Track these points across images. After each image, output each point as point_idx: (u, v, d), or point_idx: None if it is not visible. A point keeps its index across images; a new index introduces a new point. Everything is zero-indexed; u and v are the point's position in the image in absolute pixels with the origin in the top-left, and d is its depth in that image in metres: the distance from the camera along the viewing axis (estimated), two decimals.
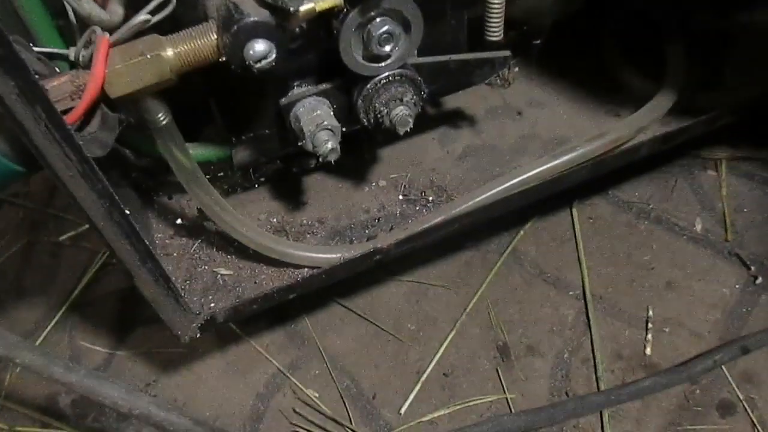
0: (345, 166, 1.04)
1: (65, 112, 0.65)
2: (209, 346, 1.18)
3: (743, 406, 0.99)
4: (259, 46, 0.65)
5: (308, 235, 0.96)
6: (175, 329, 0.84)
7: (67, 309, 1.27)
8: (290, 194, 1.01)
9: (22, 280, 1.35)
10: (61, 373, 0.65)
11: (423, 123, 1.09)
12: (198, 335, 0.86)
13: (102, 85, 0.64)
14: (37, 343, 1.23)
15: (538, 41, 1.01)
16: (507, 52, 0.89)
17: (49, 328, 1.25)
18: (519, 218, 1.25)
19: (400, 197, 0.99)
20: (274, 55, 0.66)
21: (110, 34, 0.67)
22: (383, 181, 1.02)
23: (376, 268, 0.95)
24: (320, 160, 0.78)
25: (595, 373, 1.05)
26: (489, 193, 0.95)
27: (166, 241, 0.97)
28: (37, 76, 0.55)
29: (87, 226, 1.36)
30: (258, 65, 0.66)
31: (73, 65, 0.72)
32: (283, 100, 0.80)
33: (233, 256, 0.95)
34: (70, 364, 0.66)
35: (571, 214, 1.24)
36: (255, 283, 0.92)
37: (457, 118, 1.09)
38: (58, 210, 1.44)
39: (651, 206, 1.23)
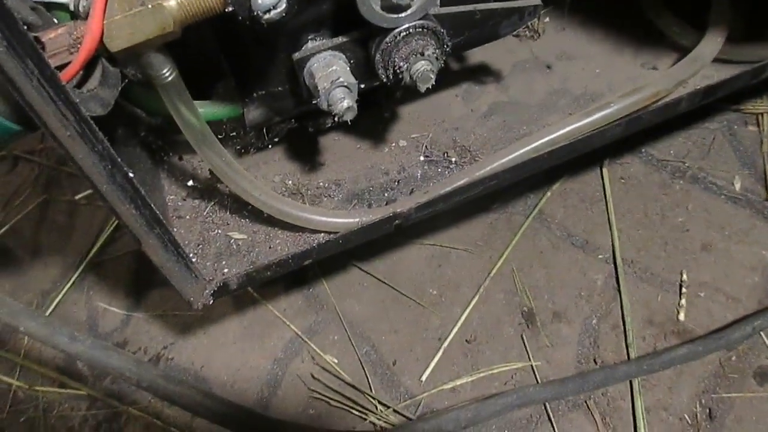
0: (363, 126, 0.99)
1: (63, 66, 0.61)
2: (226, 309, 1.16)
3: None
4: None
5: (325, 198, 0.92)
6: (187, 296, 0.81)
7: (84, 269, 1.26)
8: (306, 155, 0.97)
9: (39, 238, 1.33)
10: (66, 343, 0.63)
11: (445, 79, 1.03)
12: (211, 302, 0.83)
13: (100, 38, 0.60)
14: (55, 303, 1.22)
15: None
16: (537, 1, 0.82)
17: (66, 288, 1.24)
18: (546, 178, 1.19)
19: (422, 158, 0.95)
20: (284, 5, 0.61)
21: None
22: (404, 142, 0.97)
23: (396, 233, 0.91)
24: (336, 119, 0.73)
25: (625, 340, 1.01)
26: (515, 154, 0.90)
27: (178, 203, 0.94)
28: (27, 27, 0.51)
29: None
30: (266, 16, 0.61)
31: (74, 15, 0.68)
32: (296, 55, 0.75)
33: (247, 220, 0.91)
34: (75, 334, 0.64)
35: (601, 174, 1.18)
36: (270, 248, 0.88)
37: (482, 74, 1.03)
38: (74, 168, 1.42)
39: (687, 164, 1.17)
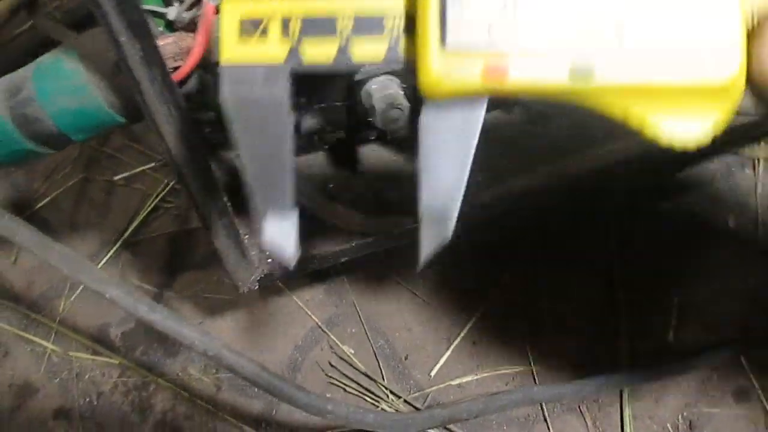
0: (399, 141, 1.08)
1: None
2: (253, 297, 1.25)
3: (758, 394, 1.05)
4: None
5: (363, 204, 1.01)
6: (236, 280, 0.90)
7: (120, 247, 1.34)
8: (346, 163, 1.06)
9: (77, 214, 1.42)
10: (146, 311, 0.72)
11: None
12: (256, 287, 0.92)
13: (204, 51, 0.69)
14: None
15: None
16: None
17: (102, 263, 1.32)
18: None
19: None
20: None
21: None
22: None
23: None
24: (389, 137, 0.83)
25: (618, 353, 1.11)
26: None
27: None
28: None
29: (140, 168, 1.44)
30: None
31: (168, 24, 0.77)
32: (357, 76, 0.85)
33: None
34: (153, 304, 0.73)
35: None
36: (311, 243, 0.97)
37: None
38: (114, 150, 1.50)
39: (687, 200, 1.27)
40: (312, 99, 0.89)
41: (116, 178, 1.46)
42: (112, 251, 1.34)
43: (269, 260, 0.96)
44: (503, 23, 0.44)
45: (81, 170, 1.48)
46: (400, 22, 0.46)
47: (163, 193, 1.41)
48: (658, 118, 0.43)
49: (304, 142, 0.99)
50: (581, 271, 1.21)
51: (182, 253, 1.33)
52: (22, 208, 1.44)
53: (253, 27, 0.47)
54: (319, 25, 0.47)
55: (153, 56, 0.60)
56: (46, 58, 0.71)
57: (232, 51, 0.47)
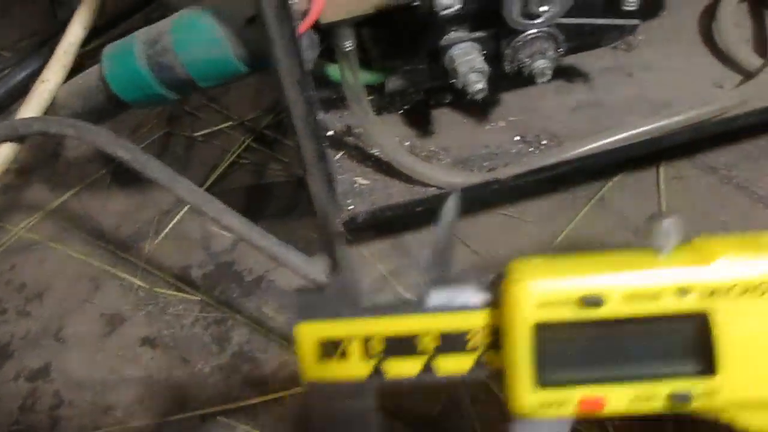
0: (469, 106, 1.18)
1: None
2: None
3: None
4: None
5: (434, 160, 1.11)
6: (324, 220, 1.01)
7: None
8: (419, 123, 1.16)
9: None
10: (257, 237, 0.84)
11: None
12: (341, 229, 1.03)
13: (320, 11, 0.79)
14: (174, 222, 1.44)
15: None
16: (636, 21, 1.00)
17: (183, 211, 1.45)
18: (609, 170, 1.37)
19: (517, 138, 1.13)
20: (459, 5, 0.80)
21: None
22: (502, 122, 1.16)
23: (489, 199, 1.10)
24: (468, 98, 0.92)
25: None
26: (597, 144, 1.09)
27: None
28: None
29: (218, 126, 1.56)
30: (444, 12, 0.80)
31: None
32: (443, 42, 0.94)
33: (370, 169, 1.11)
34: (263, 231, 0.85)
35: (657, 173, 1.36)
36: (388, 194, 1.08)
37: (572, 74, 1.22)
38: (193, 108, 1.62)
39: (734, 173, 1.34)
40: (399, 62, 1.00)
41: (196, 134, 1.58)
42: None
43: (351, 207, 1.07)
44: (599, 350, 0.43)
45: (164, 125, 1.61)
46: (485, 336, 0.46)
47: (239, 150, 1.53)
48: None
49: (387, 102, 1.09)
50: (632, 236, 1.29)
51: (258, 205, 1.45)
52: (111, 158, 1.57)
53: (332, 348, 0.48)
54: (401, 345, 0.47)
55: (286, 13, 0.70)
56: (183, 15, 0.82)
57: (314, 370, 0.49)
